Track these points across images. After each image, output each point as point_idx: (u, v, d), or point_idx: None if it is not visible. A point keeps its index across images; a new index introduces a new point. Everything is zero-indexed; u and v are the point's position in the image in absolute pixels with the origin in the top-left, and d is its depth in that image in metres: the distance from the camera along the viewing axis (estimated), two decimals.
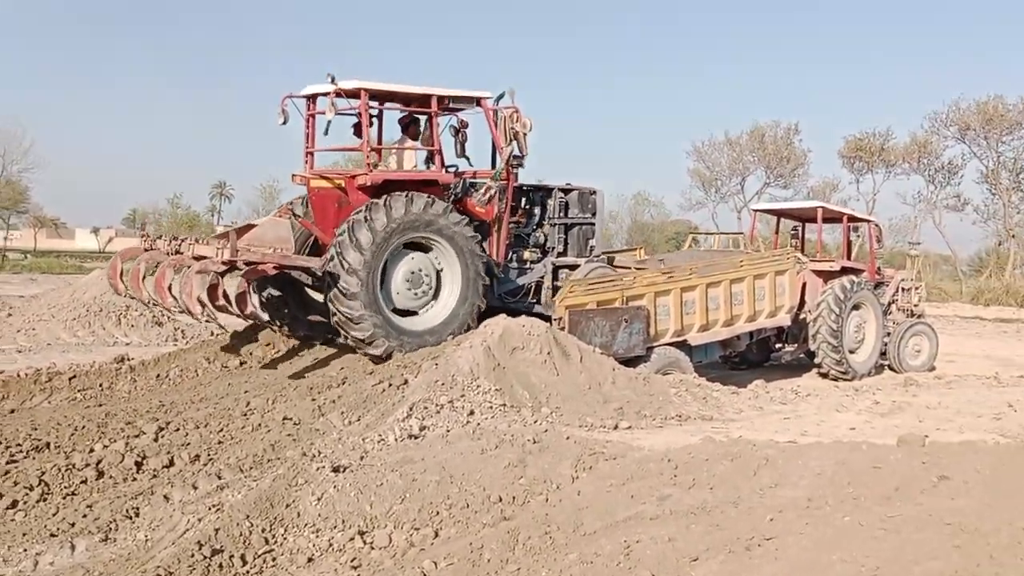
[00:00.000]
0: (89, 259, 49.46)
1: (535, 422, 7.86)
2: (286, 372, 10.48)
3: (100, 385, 10.37)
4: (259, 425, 8.33)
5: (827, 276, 14.99)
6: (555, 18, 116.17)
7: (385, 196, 10.20)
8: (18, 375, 10.45)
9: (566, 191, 12.64)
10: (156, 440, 7.79)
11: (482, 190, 11.44)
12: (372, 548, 5.37)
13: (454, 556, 4.88)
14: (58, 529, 5.81)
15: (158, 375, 10.76)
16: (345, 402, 8.80)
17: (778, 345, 15.77)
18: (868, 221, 17.63)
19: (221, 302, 9.58)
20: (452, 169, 11.44)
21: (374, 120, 11.39)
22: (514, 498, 5.88)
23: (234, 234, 10.31)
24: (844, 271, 15.21)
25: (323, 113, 10.51)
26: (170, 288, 10.07)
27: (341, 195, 10.85)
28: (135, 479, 6.90)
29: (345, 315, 10.02)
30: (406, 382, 8.89)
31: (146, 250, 11.47)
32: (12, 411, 9.39)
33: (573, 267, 12.16)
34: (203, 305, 9.44)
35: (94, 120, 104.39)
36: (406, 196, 10.23)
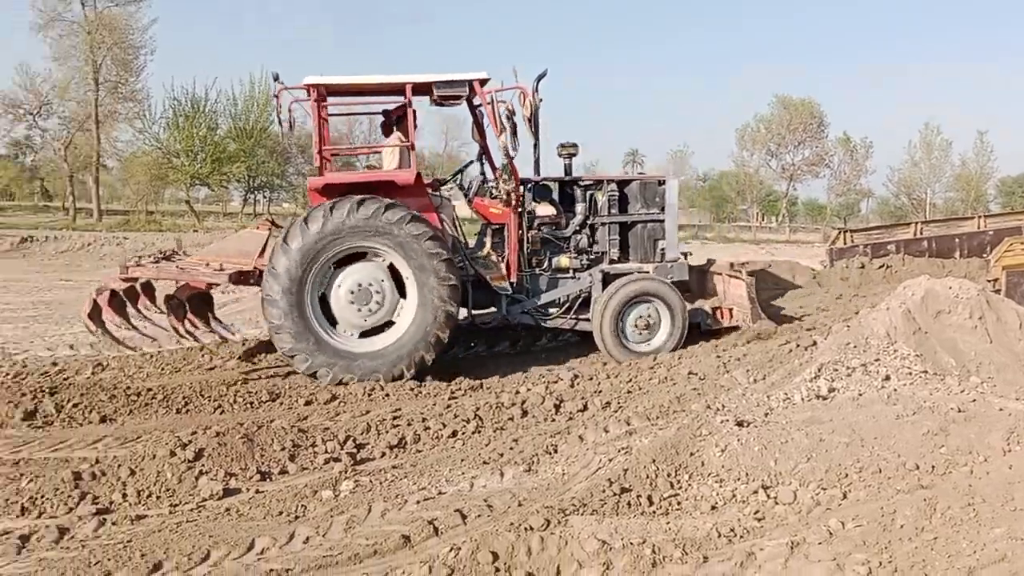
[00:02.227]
0: None
1: (961, 391, 7.17)
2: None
3: None
4: (665, 378, 8.64)
5: None
6: None
7: (307, 211, 9.23)
8: None
9: (623, 183, 10.79)
10: (572, 387, 8.51)
11: (493, 190, 10.21)
12: (776, 503, 5.31)
13: (863, 518, 4.67)
14: (489, 458, 6.48)
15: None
16: (750, 360, 8.76)
17: None
18: None
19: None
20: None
21: (405, 114, 10.08)
22: (933, 467, 5.45)
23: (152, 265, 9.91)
24: None
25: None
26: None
27: None
28: (554, 420, 7.51)
29: (280, 350, 9.18)
30: (815, 343, 8.61)
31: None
32: (454, 357, 10.76)
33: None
34: (94, 327, 9.42)
35: None
36: (327, 207, 9.03)
